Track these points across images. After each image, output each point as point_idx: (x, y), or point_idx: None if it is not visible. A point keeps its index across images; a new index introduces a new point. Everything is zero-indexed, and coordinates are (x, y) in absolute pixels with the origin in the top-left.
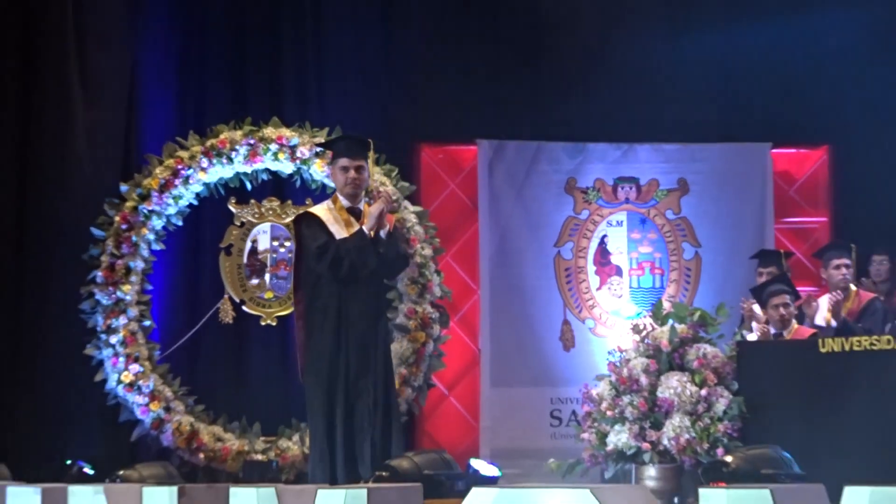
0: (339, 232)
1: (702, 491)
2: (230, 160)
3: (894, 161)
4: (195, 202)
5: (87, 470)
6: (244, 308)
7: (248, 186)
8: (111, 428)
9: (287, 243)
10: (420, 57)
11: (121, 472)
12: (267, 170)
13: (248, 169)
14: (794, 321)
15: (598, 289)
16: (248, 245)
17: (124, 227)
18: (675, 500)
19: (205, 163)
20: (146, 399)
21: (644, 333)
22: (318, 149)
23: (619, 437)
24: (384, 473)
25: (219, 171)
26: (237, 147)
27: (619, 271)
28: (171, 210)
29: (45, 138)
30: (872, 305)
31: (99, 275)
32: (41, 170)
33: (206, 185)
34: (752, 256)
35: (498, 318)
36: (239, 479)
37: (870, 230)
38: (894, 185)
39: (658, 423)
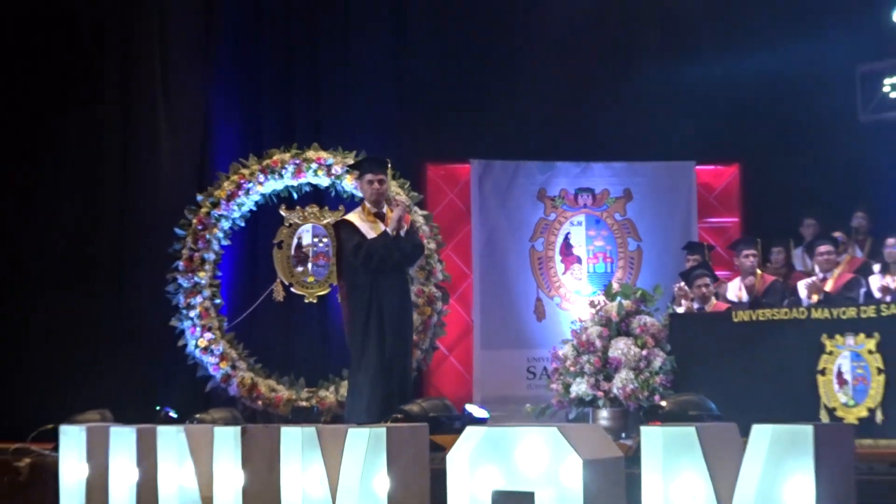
0: (369, 232)
1: (643, 429)
2: (281, 176)
3: (788, 175)
4: (254, 208)
5: (172, 414)
6: (292, 289)
7: (295, 196)
8: (190, 382)
9: (325, 239)
10: (425, 96)
11: (197, 416)
12: (309, 183)
13: (295, 182)
14: (713, 298)
15: (563, 274)
16: (295, 241)
17: (200, 227)
18: (623, 435)
19: (261, 178)
20: (217, 359)
21: (598, 307)
22: (348, 167)
23: (580, 387)
24: (399, 416)
25: (272, 185)
26: (286, 166)
27: (579, 260)
28: (236, 214)
29: (139, 159)
30: (774, 286)
31: (181, 264)
32: (137, 184)
33: (262, 195)
34: (683, 248)
35: (486, 297)
36: (288, 421)
37: (770, 228)
38: (788, 193)
39: (609, 377)
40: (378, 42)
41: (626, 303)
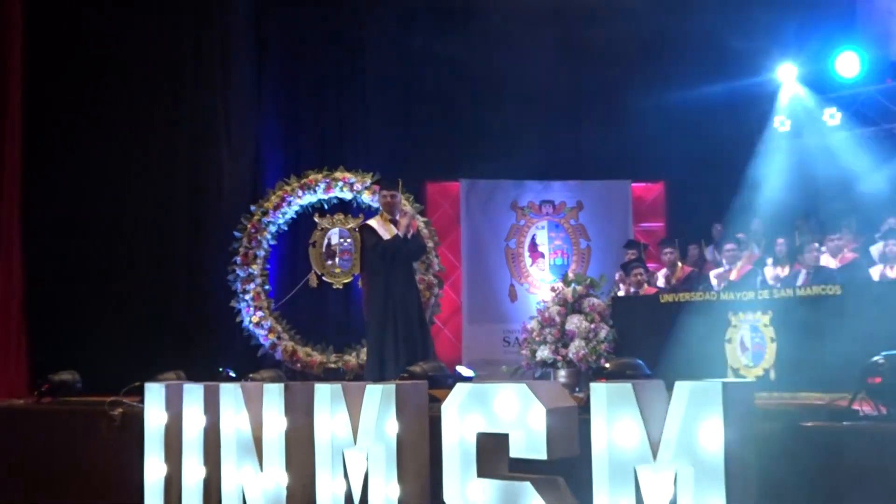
0: (385, 234)
1: (592, 385)
2: (315, 191)
3: (702, 190)
4: (294, 216)
5: (231, 374)
6: (323, 278)
7: (325, 207)
8: (245, 349)
9: (349, 240)
10: (427, 131)
11: (250, 375)
12: (336, 197)
13: (325, 196)
14: (645, 284)
15: (531, 266)
16: (326, 241)
17: (253, 230)
18: (577, 390)
19: (300, 193)
20: (266, 332)
21: (557, 292)
22: (369, 184)
23: (543, 353)
24: (405, 375)
25: (308, 198)
26: (319, 184)
27: (542, 256)
28: (281, 221)
29: (209, 179)
30: (690, 276)
31: (238, 259)
32: (205, 198)
33: (301, 206)
34: (623, 246)
35: (471, 283)
36: (321, 379)
37: (688, 231)
38: (701, 204)
39: (566, 344)
40: (392, 94)
41: (578, 288)
